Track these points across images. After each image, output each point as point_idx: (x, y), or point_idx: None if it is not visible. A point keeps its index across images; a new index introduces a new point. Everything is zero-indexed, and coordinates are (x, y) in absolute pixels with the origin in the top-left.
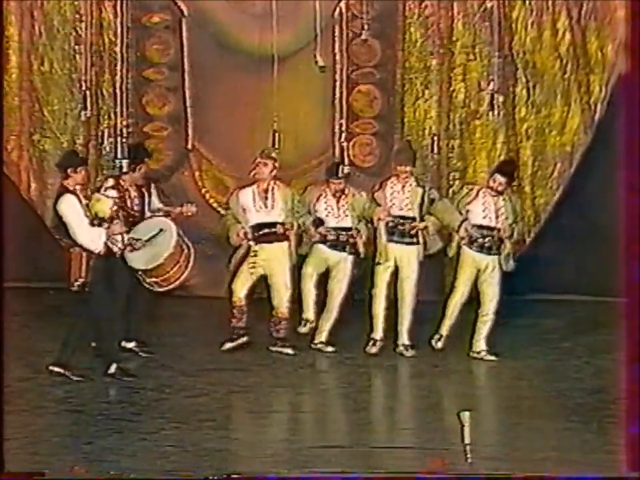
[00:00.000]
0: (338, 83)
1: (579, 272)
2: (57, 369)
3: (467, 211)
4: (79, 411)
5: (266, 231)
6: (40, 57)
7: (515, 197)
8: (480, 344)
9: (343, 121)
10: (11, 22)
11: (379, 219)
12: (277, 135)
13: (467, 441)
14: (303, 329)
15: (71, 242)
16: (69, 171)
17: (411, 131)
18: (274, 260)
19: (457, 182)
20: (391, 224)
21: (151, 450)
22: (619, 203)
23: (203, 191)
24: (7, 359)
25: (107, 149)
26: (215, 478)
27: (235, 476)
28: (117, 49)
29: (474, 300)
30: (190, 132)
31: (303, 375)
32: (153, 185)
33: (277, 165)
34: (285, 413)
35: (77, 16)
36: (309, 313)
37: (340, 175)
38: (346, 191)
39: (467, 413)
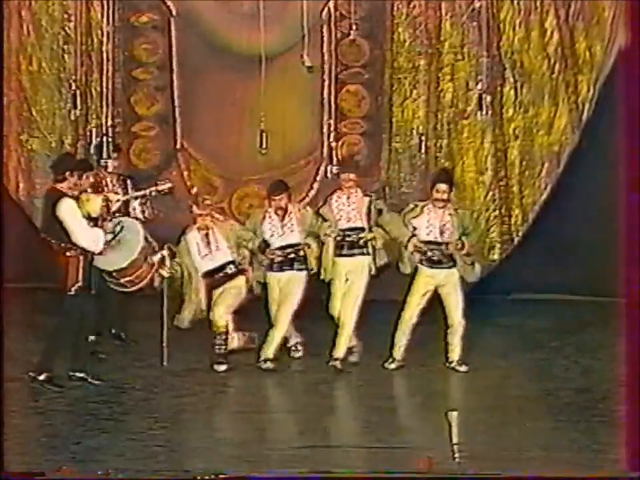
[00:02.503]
0: (326, 83)
1: (567, 272)
2: (41, 377)
3: (414, 227)
4: (67, 411)
5: (217, 276)
6: (28, 57)
7: (461, 211)
8: (453, 354)
9: (332, 121)
10: None
11: (326, 235)
12: (264, 134)
13: (454, 440)
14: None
15: (69, 245)
16: (66, 174)
17: (399, 130)
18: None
19: None
20: (339, 238)
21: (139, 450)
22: (615, 202)
23: (192, 190)
24: None
25: None
26: (203, 478)
27: (222, 476)
28: (106, 49)
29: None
30: (178, 131)
31: (288, 377)
32: (121, 178)
33: (213, 210)
34: (272, 413)
35: (66, 15)
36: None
37: (281, 191)
38: (289, 208)
39: (455, 413)
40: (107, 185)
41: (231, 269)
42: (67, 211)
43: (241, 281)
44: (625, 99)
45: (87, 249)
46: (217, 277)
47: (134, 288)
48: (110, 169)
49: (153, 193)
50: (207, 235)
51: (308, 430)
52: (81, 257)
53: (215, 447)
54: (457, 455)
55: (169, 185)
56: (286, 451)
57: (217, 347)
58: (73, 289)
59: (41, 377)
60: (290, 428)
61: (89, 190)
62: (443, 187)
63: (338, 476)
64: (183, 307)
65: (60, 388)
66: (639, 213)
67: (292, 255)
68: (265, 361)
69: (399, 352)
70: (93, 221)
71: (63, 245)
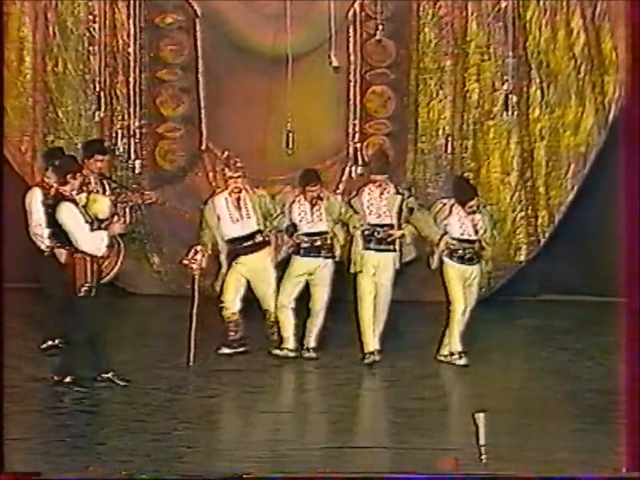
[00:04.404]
0: (352, 84)
1: (593, 273)
2: (67, 380)
3: (445, 225)
4: (91, 412)
5: (245, 244)
6: (54, 58)
7: (489, 206)
8: (454, 347)
9: (357, 122)
10: (25, 23)
11: (355, 228)
12: (290, 135)
13: (481, 441)
14: (280, 353)
15: (72, 249)
16: (68, 177)
17: (425, 131)
18: (257, 268)
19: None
20: (367, 232)
21: (164, 450)
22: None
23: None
24: (18, 359)
25: (121, 149)
26: (227, 478)
27: (245, 476)
28: (131, 50)
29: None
30: (204, 132)
31: (313, 376)
32: (106, 181)
33: (245, 172)
34: (297, 413)
35: (91, 17)
36: (289, 343)
37: (316, 181)
38: (321, 196)
39: (482, 414)
40: (89, 183)
41: (258, 238)
42: (68, 215)
43: (268, 252)
44: None
45: (88, 252)
46: (244, 245)
47: (103, 280)
48: (96, 169)
49: (139, 201)
50: (238, 199)
51: (336, 430)
52: (88, 258)
53: (240, 448)
54: (483, 457)
55: (153, 197)
56: (313, 451)
57: (274, 334)
58: (82, 289)
59: (67, 380)
60: (317, 428)
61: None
62: (473, 202)
63: (367, 477)
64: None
65: (85, 389)
66: None
67: (318, 243)
68: (308, 349)
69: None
70: (101, 222)
71: (67, 248)
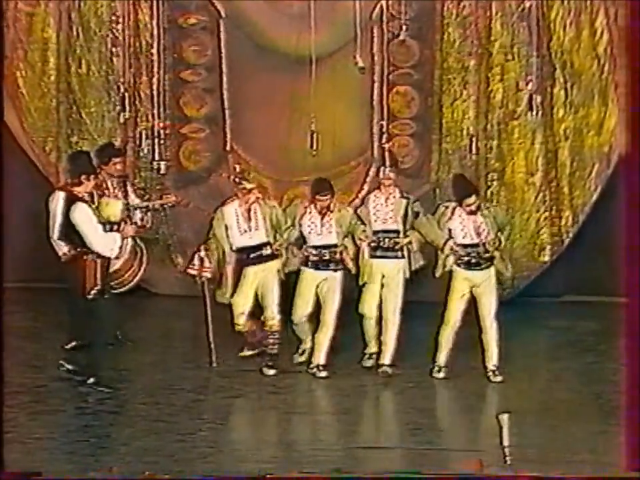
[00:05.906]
0: (376, 84)
1: (615, 273)
2: (90, 381)
3: (449, 230)
4: (115, 412)
5: (253, 255)
6: (77, 59)
7: (493, 208)
8: (489, 361)
9: (384, 122)
10: (49, 24)
11: (360, 240)
12: (314, 136)
13: (505, 443)
14: (300, 359)
15: (85, 250)
16: (82, 177)
17: (449, 131)
18: (264, 281)
19: (495, 183)
20: (374, 244)
21: (188, 451)
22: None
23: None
24: (42, 359)
25: (145, 150)
26: (251, 478)
27: (269, 476)
28: (154, 51)
29: None
30: (228, 133)
31: (334, 378)
32: (128, 183)
33: (258, 184)
34: (321, 414)
35: (114, 17)
36: (307, 344)
37: (327, 191)
38: (331, 207)
39: (506, 415)
40: (107, 188)
41: (266, 250)
42: (81, 216)
43: (277, 265)
44: None
45: (101, 254)
46: (251, 256)
47: (124, 288)
48: (115, 172)
49: (157, 205)
50: (249, 210)
51: (354, 432)
52: (98, 260)
53: (264, 448)
54: (507, 458)
55: (173, 198)
56: (334, 452)
57: (270, 346)
58: (92, 292)
59: (90, 381)
60: (337, 429)
61: (93, 192)
62: (471, 200)
63: (389, 476)
64: (221, 281)
65: (109, 389)
66: None
67: (327, 256)
68: (319, 368)
69: (443, 359)
70: (113, 225)
71: (78, 249)
